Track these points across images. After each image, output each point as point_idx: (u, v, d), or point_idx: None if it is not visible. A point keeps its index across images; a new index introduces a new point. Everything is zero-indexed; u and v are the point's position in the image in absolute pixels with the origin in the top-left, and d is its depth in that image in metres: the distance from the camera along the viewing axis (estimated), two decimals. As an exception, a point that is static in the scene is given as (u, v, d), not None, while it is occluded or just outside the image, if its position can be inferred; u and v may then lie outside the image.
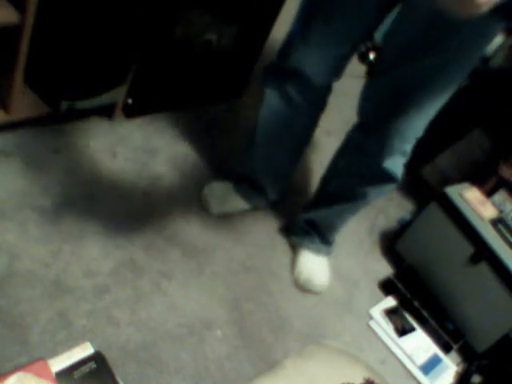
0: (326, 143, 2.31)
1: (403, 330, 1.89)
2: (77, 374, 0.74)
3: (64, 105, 1.72)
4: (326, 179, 1.79)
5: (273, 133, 1.72)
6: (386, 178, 1.56)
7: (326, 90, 1.62)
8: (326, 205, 1.77)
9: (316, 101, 1.64)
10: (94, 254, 1.57)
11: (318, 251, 1.86)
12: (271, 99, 1.64)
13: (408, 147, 1.51)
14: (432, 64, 1.30)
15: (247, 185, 1.87)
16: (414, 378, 1.81)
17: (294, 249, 1.90)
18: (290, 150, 1.78)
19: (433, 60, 1.30)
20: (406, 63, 1.35)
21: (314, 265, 1.84)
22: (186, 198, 1.86)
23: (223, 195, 1.89)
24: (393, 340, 1.85)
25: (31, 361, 0.72)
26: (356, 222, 1.97)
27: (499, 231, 1.87)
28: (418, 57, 1.32)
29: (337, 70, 1.55)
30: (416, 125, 1.45)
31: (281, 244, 1.92)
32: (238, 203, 1.89)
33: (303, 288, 1.81)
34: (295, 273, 1.83)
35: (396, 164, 1.54)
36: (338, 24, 1.40)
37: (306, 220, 1.84)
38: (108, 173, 1.78)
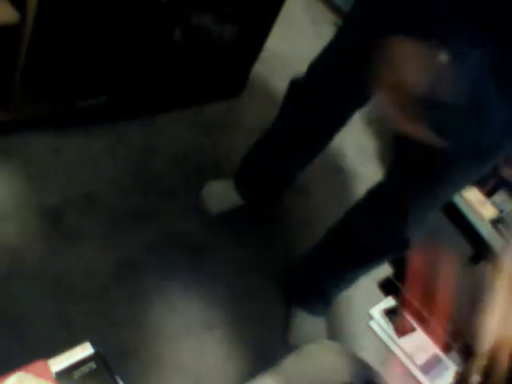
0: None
1: (403, 330, 1.89)
2: (77, 374, 0.74)
3: (64, 105, 1.72)
4: (337, 235, 1.63)
5: (285, 141, 1.65)
6: (402, 245, 1.44)
7: (347, 115, 1.53)
8: (333, 266, 1.65)
9: (334, 123, 1.57)
10: (94, 254, 1.57)
11: (313, 311, 1.72)
12: (289, 110, 1.58)
13: (433, 217, 1.41)
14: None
15: (249, 182, 1.84)
16: (414, 378, 1.81)
17: (289, 306, 1.75)
18: (299, 160, 1.72)
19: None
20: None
21: (308, 328, 1.71)
22: (186, 198, 1.86)
23: (222, 193, 1.87)
24: (393, 340, 1.85)
25: (31, 361, 0.72)
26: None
27: (499, 231, 1.87)
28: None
29: (363, 100, 1.44)
30: (446, 195, 1.37)
31: (281, 243, 1.92)
32: (238, 199, 1.86)
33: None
34: (288, 334, 1.69)
35: (416, 233, 1.42)
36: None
37: (307, 277, 1.74)
38: (108, 173, 1.78)
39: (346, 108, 1.49)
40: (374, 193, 1.48)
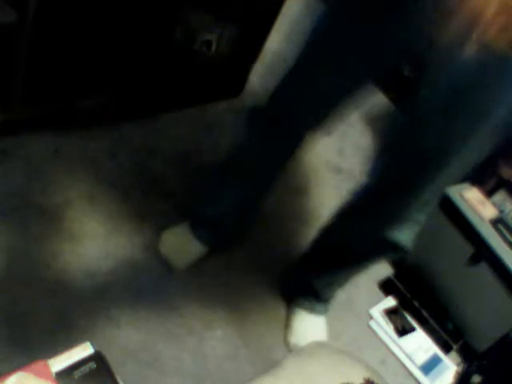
0: (327, 143, 2.31)
1: (403, 330, 1.89)
2: (77, 373, 0.74)
3: (64, 105, 1.72)
4: (327, 236, 1.62)
5: (246, 169, 1.57)
6: (395, 248, 1.40)
7: (308, 134, 1.46)
8: (323, 266, 1.64)
9: (296, 147, 1.50)
10: (94, 254, 1.57)
11: (312, 310, 1.71)
12: (250, 139, 1.52)
13: (423, 216, 1.35)
14: (464, 126, 1.15)
15: (206, 229, 1.69)
16: (414, 378, 1.81)
17: (289, 305, 1.75)
18: (261, 188, 1.62)
19: (467, 122, 1.15)
20: (439, 122, 1.18)
21: (308, 327, 1.69)
22: (186, 198, 1.86)
23: (182, 244, 1.69)
24: (393, 340, 1.85)
25: (31, 361, 0.72)
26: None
27: (499, 231, 1.87)
28: (451, 116, 1.15)
29: (328, 121, 1.39)
30: (435, 192, 1.32)
31: (281, 243, 1.92)
32: (199, 248, 1.69)
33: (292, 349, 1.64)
34: (287, 333, 1.68)
35: (408, 234, 1.37)
36: (339, 75, 1.26)
37: (302, 279, 1.72)
38: (108, 173, 1.78)
39: (308, 131, 1.43)
40: (358, 195, 1.46)
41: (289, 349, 1.65)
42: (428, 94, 1.19)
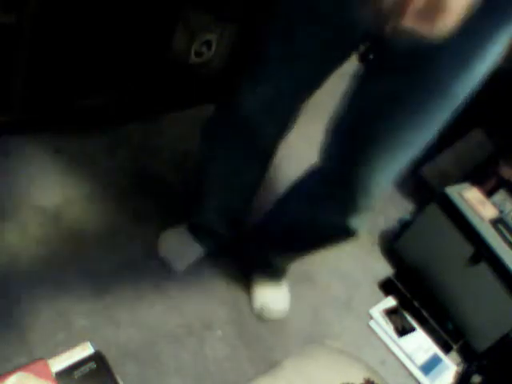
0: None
1: (403, 330, 1.89)
2: (77, 373, 0.74)
3: (64, 105, 1.72)
4: (276, 218, 1.59)
5: (222, 184, 1.56)
6: (345, 234, 1.37)
7: (276, 142, 1.43)
8: (275, 242, 1.62)
9: (264, 153, 1.47)
10: (93, 254, 1.57)
11: (270, 277, 1.70)
12: (214, 151, 1.51)
13: (374, 202, 1.29)
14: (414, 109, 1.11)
15: (203, 233, 1.69)
16: (414, 378, 1.81)
17: (248, 278, 1.73)
18: (243, 196, 1.61)
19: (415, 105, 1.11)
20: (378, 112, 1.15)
21: (268, 292, 1.70)
22: (186, 199, 1.86)
23: (181, 246, 1.69)
24: (393, 340, 1.85)
25: (31, 361, 0.72)
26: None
27: (499, 231, 1.87)
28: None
29: (288, 122, 1.36)
30: (385, 178, 1.24)
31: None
32: (198, 250, 1.70)
33: (260, 317, 1.67)
34: (252, 302, 1.69)
35: (359, 221, 1.32)
36: (296, 71, 1.22)
37: (256, 252, 1.71)
38: (108, 173, 1.78)
39: (271, 135, 1.40)
40: (309, 180, 1.42)
41: (256, 316, 1.65)
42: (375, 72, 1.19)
